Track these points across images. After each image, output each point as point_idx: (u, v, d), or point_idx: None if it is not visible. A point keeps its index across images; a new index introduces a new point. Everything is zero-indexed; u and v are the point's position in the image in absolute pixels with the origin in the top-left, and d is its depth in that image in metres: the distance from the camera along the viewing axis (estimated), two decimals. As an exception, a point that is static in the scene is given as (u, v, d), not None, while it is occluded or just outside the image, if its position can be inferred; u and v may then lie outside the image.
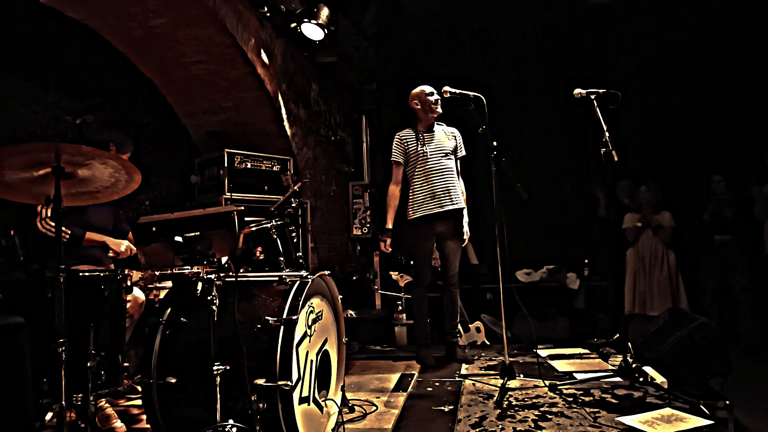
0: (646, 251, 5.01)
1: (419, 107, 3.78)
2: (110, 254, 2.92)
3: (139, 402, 2.91)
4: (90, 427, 2.03)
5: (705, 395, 2.64)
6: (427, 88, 3.79)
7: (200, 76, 4.26)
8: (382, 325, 5.05)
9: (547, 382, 3.12)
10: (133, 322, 2.91)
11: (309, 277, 2.34)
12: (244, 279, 2.38)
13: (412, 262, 3.99)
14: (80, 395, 2.04)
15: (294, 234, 3.24)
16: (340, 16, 4.54)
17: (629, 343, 3.22)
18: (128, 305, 2.70)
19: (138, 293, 2.88)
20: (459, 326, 4.53)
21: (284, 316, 2.13)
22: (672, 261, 4.94)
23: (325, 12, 4.19)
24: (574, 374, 3.36)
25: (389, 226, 3.77)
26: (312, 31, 4.28)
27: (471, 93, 3.19)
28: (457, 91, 3.29)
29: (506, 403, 2.82)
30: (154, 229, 2.29)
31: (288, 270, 2.94)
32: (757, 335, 4.70)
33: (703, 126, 5.68)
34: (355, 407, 2.82)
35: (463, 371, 3.58)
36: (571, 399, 2.85)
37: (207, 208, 2.36)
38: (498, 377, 3.18)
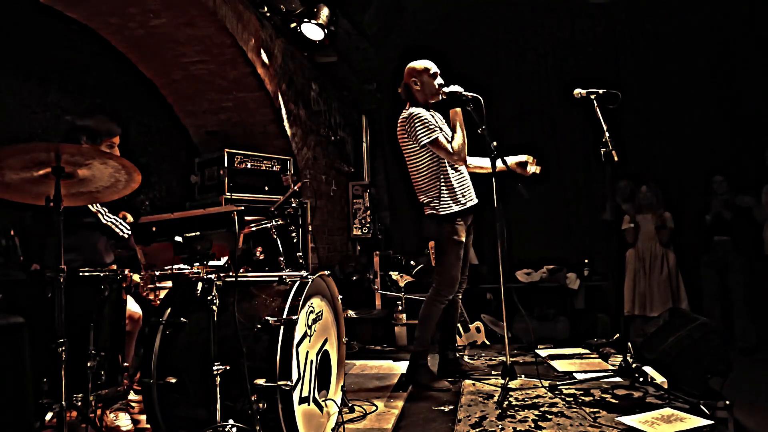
0: (646, 252, 5.01)
1: (418, 88, 3.27)
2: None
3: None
4: (90, 426, 2.03)
5: (705, 395, 2.64)
6: (432, 66, 3.29)
7: (200, 76, 4.26)
8: (382, 325, 5.05)
9: (547, 383, 3.12)
10: (133, 339, 2.71)
11: (309, 277, 2.34)
12: (244, 279, 2.38)
13: (439, 261, 3.24)
14: (80, 395, 2.04)
15: (294, 234, 3.23)
16: (340, 16, 4.54)
17: (629, 343, 3.22)
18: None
19: (134, 308, 2.68)
20: (459, 327, 4.54)
21: (284, 316, 2.13)
22: (672, 261, 4.94)
23: (325, 12, 4.19)
24: (574, 374, 3.36)
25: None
26: (312, 31, 4.28)
27: (468, 93, 3.17)
28: (457, 90, 3.16)
29: (506, 403, 2.81)
30: (154, 229, 2.29)
31: (288, 270, 2.94)
32: (753, 336, 4.69)
33: (703, 126, 5.67)
34: (355, 407, 2.82)
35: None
36: (571, 399, 2.85)
37: (207, 208, 2.36)
38: (498, 377, 3.17)
